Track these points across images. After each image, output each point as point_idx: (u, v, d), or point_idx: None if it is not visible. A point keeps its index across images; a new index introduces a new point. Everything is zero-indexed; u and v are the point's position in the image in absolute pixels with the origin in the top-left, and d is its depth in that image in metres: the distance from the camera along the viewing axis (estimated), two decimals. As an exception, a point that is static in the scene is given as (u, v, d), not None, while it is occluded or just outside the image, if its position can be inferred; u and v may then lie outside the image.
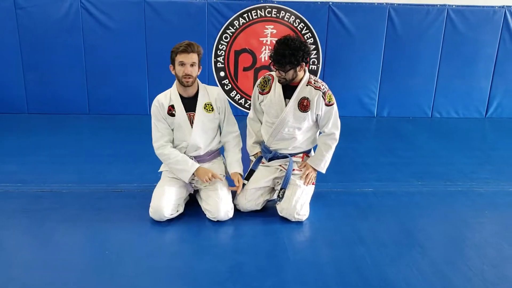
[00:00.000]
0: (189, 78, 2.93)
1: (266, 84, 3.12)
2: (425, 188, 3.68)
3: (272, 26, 5.40)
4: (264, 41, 5.45)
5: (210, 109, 3.04)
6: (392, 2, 5.47)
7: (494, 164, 4.27)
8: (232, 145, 3.15)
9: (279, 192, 3.06)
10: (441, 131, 5.38)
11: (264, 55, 5.48)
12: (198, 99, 3.03)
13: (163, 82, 5.48)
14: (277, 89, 3.05)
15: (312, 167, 3.15)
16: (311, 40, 5.47)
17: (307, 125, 3.08)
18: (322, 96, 3.01)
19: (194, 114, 3.01)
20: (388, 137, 5.09)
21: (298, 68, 2.92)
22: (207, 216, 3.04)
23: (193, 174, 2.98)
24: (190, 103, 3.02)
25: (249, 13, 5.33)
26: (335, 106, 3.09)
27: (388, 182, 3.78)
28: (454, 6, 5.54)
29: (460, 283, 2.45)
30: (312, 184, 3.16)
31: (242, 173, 3.11)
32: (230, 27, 5.36)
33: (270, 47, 5.44)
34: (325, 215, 3.14)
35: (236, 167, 3.10)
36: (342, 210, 3.19)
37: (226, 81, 5.55)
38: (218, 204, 2.98)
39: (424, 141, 4.99)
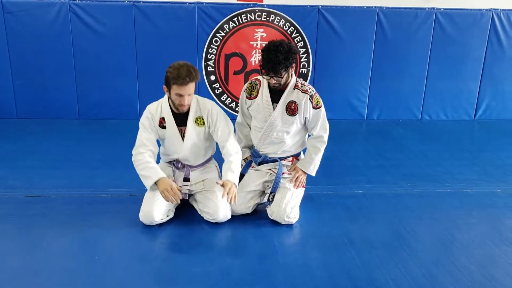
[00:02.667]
0: (184, 106, 2.91)
1: (253, 89, 3.12)
2: (415, 190, 3.71)
3: (262, 30, 5.42)
4: (254, 45, 5.46)
5: (201, 123, 3.01)
6: (381, 5, 5.51)
7: (482, 166, 4.31)
8: (227, 154, 3.01)
9: (269, 196, 3.07)
10: (430, 133, 5.42)
11: (255, 59, 5.49)
12: (190, 113, 2.98)
13: (153, 86, 5.51)
14: (264, 93, 3.05)
15: (302, 170, 3.16)
16: (301, 44, 5.49)
17: (295, 128, 3.09)
18: (310, 99, 3.02)
19: (185, 128, 2.99)
20: (378, 140, 5.11)
21: (290, 70, 2.94)
22: (204, 218, 3.04)
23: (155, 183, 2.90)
24: (181, 117, 2.98)
25: (239, 17, 5.35)
26: (322, 109, 3.10)
27: (377, 184, 3.80)
28: (442, 10, 5.59)
29: (448, 284, 2.47)
30: (302, 187, 3.17)
31: (235, 183, 2.93)
32: (220, 31, 5.37)
33: (260, 51, 5.44)
34: (315, 218, 3.15)
35: (226, 175, 2.93)
36: (332, 212, 3.20)
37: (217, 85, 5.56)
38: (218, 207, 2.98)
39: (413, 143, 5.02)
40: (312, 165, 3.17)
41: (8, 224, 3.02)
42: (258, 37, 5.43)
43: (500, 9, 5.66)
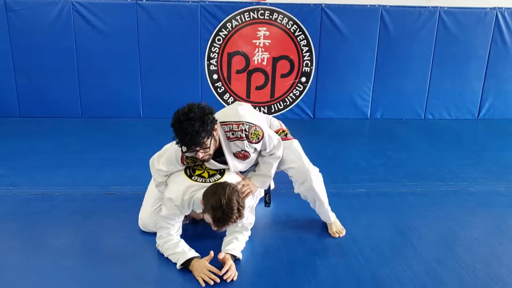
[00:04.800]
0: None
1: (194, 160, 2.65)
2: (418, 189, 3.69)
3: (265, 28, 5.41)
4: (257, 43, 5.45)
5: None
6: (385, 4, 5.48)
7: (485, 165, 4.29)
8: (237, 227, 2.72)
9: (265, 197, 3.05)
10: (433, 133, 5.40)
11: (257, 57, 5.48)
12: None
13: (156, 85, 5.52)
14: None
15: (253, 183, 2.84)
16: (304, 42, 5.49)
17: (255, 155, 2.81)
18: (248, 142, 2.62)
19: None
20: (381, 139, 5.10)
21: (215, 134, 2.49)
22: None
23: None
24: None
25: (241, 15, 5.34)
26: (265, 136, 2.66)
27: (381, 183, 3.79)
28: (445, 8, 5.57)
29: (452, 282, 2.47)
30: (247, 196, 2.75)
31: (239, 256, 2.62)
32: (223, 29, 5.36)
33: (263, 49, 5.45)
34: (318, 216, 3.13)
35: (229, 247, 2.62)
36: (335, 211, 3.17)
37: (219, 84, 5.55)
38: None
39: (416, 142, 5.00)
40: (263, 182, 2.85)
41: (11, 222, 3.02)
42: (261, 36, 5.43)
43: (504, 8, 5.63)
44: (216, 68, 5.50)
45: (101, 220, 3.04)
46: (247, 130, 2.58)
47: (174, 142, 2.49)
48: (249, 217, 2.76)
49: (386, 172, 4.06)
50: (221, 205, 2.33)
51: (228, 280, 2.41)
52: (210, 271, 2.43)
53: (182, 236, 2.71)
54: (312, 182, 2.81)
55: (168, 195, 2.60)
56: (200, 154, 2.46)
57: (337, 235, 2.93)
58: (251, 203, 2.80)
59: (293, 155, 2.85)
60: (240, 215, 2.42)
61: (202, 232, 2.92)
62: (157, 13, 5.24)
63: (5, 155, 4.21)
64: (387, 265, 2.61)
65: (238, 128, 2.58)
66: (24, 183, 3.58)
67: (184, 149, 2.46)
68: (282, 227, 3.01)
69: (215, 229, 2.49)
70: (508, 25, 5.68)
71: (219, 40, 5.40)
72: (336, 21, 5.45)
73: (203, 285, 2.39)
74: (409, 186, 3.75)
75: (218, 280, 2.40)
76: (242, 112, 2.65)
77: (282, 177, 3.10)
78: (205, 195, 2.45)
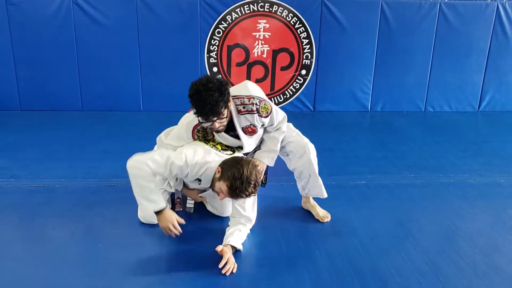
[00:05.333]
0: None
1: (206, 132, 2.78)
2: (418, 180, 3.70)
3: (265, 21, 5.39)
4: (257, 36, 5.44)
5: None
6: (385, -4, 5.48)
7: (485, 157, 4.29)
8: (240, 217, 2.72)
9: (262, 178, 3.04)
10: (434, 125, 5.40)
11: (257, 50, 5.47)
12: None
13: (156, 78, 5.51)
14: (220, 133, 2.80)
15: (260, 161, 2.93)
16: (304, 35, 5.47)
17: (261, 132, 2.92)
18: (258, 115, 2.74)
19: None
20: (381, 131, 5.10)
21: (229, 105, 2.59)
22: (208, 208, 3.06)
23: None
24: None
25: (241, 8, 5.32)
26: (273, 110, 2.79)
27: (381, 175, 3.80)
28: (446, 0, 5.55)
29: (451, 272, 2.48)
30: (261, 177, 2.89)
31: (239, 248, 2.61)
32: (222, 22, 5.35)
33: (263, 42, 5.44)
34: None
35: (230, 238, 2.60)
36: (335, 203, 3.19)
37: (219, 77, 5.54)
38: (225, 205, 2.96)
39: (417, 135, 5.00)
40: (270, 157, 2.93)
41: (11, 213, 3.03)
42: (261, 28, 5.41)
43: (505, 0, 5.61)
44: (216, 61, 5.49)
45: (101, 211, 3.05)
46: (257, 104, 2.70)
47: (181, 123, 2.68)
48: (254, 208, 2.78)
49: (386, 164, 4.06)
50: (242, 176, 2.38)
51: (228, 274, 2.40)
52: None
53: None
54: (310, 155, 2.90)
55: (182, 152, 2.59)
56: (217, 124, 2.56)
57: (325, 220, 2.99)
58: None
59: (291, 131, 3.00)
60: (254, 192, 2.48)
61: (201, 231, 2.92)
62: (156, 6, 5.23)
63: (6, 147, 4.22)
64: (387, 256, 2.62)
65: (249, 101, 2.69)
66: (24, 175, 3.59)
67: (201, 119, 2.53)
68: (281, 218, 3.01)
69: (223, 198, 2.54)
70: (509, 17, 5.66)
71: (219, 32, 5.38)
72: (336, 14, 5.44)
73: (170, 234, 2.57)
74: (409, 178, 3.75)
75: (179, 233, 2.57)
76: (253, 88, 2.77)
77: (281, 170, 3.11)
78: (225, 163, 2.51)
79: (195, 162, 2.59)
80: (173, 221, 2.57)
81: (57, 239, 2.72)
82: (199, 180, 2.68)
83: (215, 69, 5.50)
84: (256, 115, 2.72)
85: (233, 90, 2.72)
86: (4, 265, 2.46)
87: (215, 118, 2.51)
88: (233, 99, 2.67)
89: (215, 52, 5.45)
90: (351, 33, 5.53)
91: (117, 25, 5.25)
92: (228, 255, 2.47)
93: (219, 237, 2.64)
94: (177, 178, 2.84)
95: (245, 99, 2.69)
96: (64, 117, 5.25)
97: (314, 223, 2.98)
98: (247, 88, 2.74)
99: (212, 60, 5.47)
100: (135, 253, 2.60)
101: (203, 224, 2.93)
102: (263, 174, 2.99)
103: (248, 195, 2.46)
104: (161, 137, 2.93)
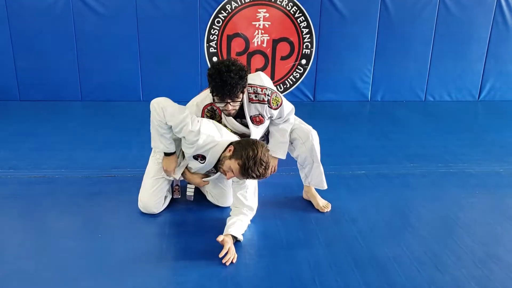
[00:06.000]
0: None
1: (214, 114, 2.82)
2: (417, 170, 3.70)
3: (264, 10, 5.36)
4: (257, 25, 5.41)
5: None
6: (385, -16, 5.44)
7: (485, 146, 4.29)
8: (242, 207, 2.74)
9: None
10: (434, 114, 5.39)
11: (257, 40, 5.45)
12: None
13: (156, 68, 5.49)
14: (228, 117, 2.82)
15: (272, 157, 2.91)
16: (304, 24, 5.44)
17: (267, 122, 2.96)
18: (269, 106, 2.78)
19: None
20: (381, 121, 5.09)
21: (244, 90, 2.65)
22: (208, 198, 3.07)
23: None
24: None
25: (241, -3, 5.30)
26: (283, 103, 2.83)
27: (380, 165, 3.80)
28: (447, -11, 5.52)
29: (450, 261, 2.49)
30: (274, 171, 3.00)
31: (241, 237, 2.62)
32: (222, 11, 5.32)
33: (263, 31, 5.42)
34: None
35: (231, 229, 2.60)
36: (334, 192, 3.20)
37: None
38: (226, 194, 2.97)
39: (417, 124, 5.00)
40: (282, 150, 2.97)
41: (11, 204, 3.04)
42: (260, 17, 5.38)
43: (506, -12, 5.58)
44: (215, 50, 5.47)
45: (101, 202, 3.06)
46: (269, 95, 2.75)
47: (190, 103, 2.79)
48: (255, 197, 2.80)
49: (386, 153, 4.07)
50: (256, 157, 2.41)
51: (228, 263, 2.41)
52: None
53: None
54: (313, 141, 2.93)
55: (199, 119, 2.63)
56: (230, 107, 2.61)
57: (325, 210, 3.00)
58: (254, 183, 2.81)
59: (295, 120, 3.05)
60: (264, 175, 2.49)
61: (201, 221, 2.93)
62: (155, -5, 5.20)
63: (6, 138, 4.22)
64: (386, 245, 2.63)
65: (262, 91, 2.75)
66: (24, 166, 3.59)
67: (217, 99, 2.58)
68: (281, 209, 3.02)
69: (231, 177, 2.56)
70: (510, 5, 5.62)
71: (218, 22, 5.36)
72: (337, 3, 5.40)
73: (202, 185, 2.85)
74: (408, 167, 3.76)
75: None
76: (266, 79, 2.89)
77: (281, 160, 3.11)
78: (238, 143, 2.55)
79: (208, 134, 2.60)
80: (172, 168, 2.80)
81: (57, 230, 2.73)
82: (203, 157, 2.68)
83: (215, 58, 5.48)
84: (266, 106, 2.76)
85: (247, 78, 2.72)
86: (4, 256, 2.47)
87: (230, 100, 2.57)
88: (246, 88, 2.70)
89: (215, 41, 5.43)
90: (351, 22, 5.50)
91: (116, 15, 5.22)
92: (229, 245, 2.47)
93: (219, 228, 2.65)
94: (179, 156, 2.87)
95: (258, 88, 2.75)
96: (64, 107, 5.25)
97: (313, 212, 2.99)
98: (260, 78, 2.83)
99: (211, 49, 5.45)
100: (135, 244, 2.61)
101: (203, 215, 2.94)
102: (276, 169, 3.02)
103: (257, 177, 2.47)
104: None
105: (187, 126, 2.58)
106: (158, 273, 2.37)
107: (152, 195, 2.87)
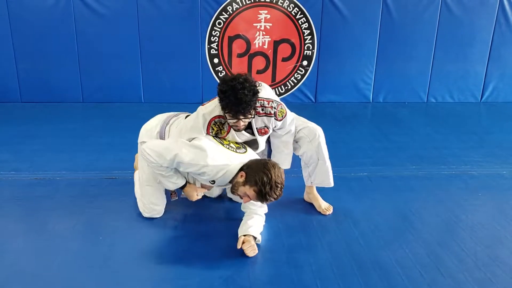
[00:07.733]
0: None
1: (222, 127, 2.74)
2: (420, 172, 3.68)
3: (266, 11, 5.36)
4: (258, 27, 5.40)
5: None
6: (387, -14, 5.43)
7: (488, 148, 4.27)
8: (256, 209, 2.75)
9: None
10: (436, 116, 5.38)
11: (258, 41, 5.44)
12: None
13: (157, 69, 5.49)
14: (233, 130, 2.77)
15: None
16: (305, 25, 5.43)
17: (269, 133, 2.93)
18: (275, 118, 2.76)
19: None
20: (383, 122, 5.08)
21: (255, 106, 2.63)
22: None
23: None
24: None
25: (242, -1, 5.29)
26: (287, 115, 2.83)
27: (383, 167, 3.78)
28: (449, -10, 5.50)
29: (453, 264, 2.47)
30: None
31: (259, 236, 2.63)
32: (223, 13, 5.31)
33: (264, 33, 5.41)
34: (319, 200, 3.14)
35: (248, 228, 2.61)
36: (336, 194, 3.18)
37: (220, 68, 5.52)
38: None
39: (419, 126, 4.98)
40: (287, 160, 3.00)
41: (13, 206, 3.03)
42: (262, 19, 5.38)
43: (509, -10, 5.56)
44: (216, 52, 5.46)
45: (102, 204, 3.05)
46: (275, 107, 2.74)
47: (195, 115, 2.73)
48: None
49: (388, 155, 4.05)
50: (270, 181, 2.38)
51: (251, 255, 2.48)
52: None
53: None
54: (320, 138, 2.94)
55: (206, 157, 2.51)
56: (241, 123, 2.59)
57: (327, 212, 2.99)
58: None
59: (297, 119, 3.03)
60: (281, 194, 2.46)
61: (204, 228, 2.92)
62: (157, -3, 5.20)
63: (7, 140, 4.22)
64: (389, 248, 2.61)
65: (268, 104, 2.72)
66: (25, 168, 3.59)
67: (229, 116, 2.56)
68: (283, 211, 3.00)
69: (247, 202, 2.54)
70: (513, 6, 5.61)
71: (219, 23, 5.35)
72: (338, 4, 5.39)
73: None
74: (411, 169, 3.74)
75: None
76: (269, 90, 2.92)
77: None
78: (249, 167, 2.48)
79: (213, 165, 2.51)
80: (197, 191, 2.74)
81: (58, 232, 2.72)
82: (213, 181, 2.64)
83: (216, 60, 5.48)
84: (272, 118, 2.75)
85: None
86: (6, 258, 2.46)
87: (242, 117, 2.55)
88: None
89: (216, 43, 5.42)
90: (352, 23, 5.49)
91: (117, 16, 5.23)
92: (252, 242, 2.52)
93: (221, 230, 2.65)
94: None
95: (265, 102, 2.72)
96: (65, 109, 5.25)
97: (315, 215, 2.97)
98: (265, 89, 2.81)
99: (213, 51, 5.45)
100: (136, 246, 2.60)
101: (204, 217, 2.93)
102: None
103: (276, 198, 2.45)
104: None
105: (181, 159, 2.51)
106: (159, 276, 2.36)
107: (157, 199, 2.88)
